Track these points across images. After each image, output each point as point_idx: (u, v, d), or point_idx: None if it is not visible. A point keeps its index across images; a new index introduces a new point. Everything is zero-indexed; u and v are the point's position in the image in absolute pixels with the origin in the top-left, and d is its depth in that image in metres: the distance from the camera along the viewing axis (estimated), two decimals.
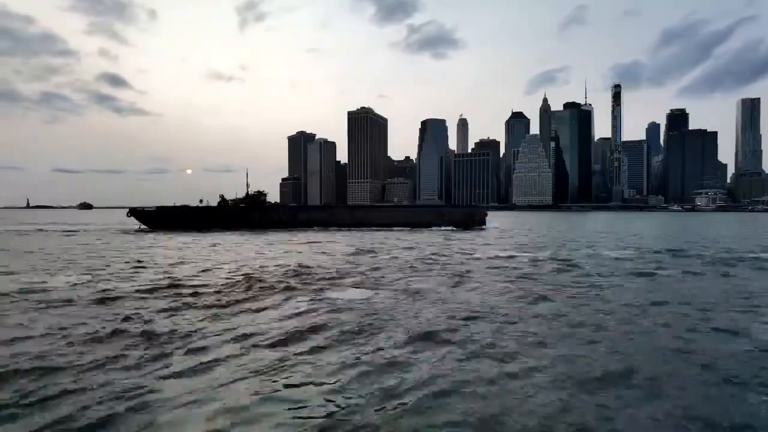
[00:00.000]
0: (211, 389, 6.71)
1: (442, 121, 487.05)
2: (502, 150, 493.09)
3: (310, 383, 6.98)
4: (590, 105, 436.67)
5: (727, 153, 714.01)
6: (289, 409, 6.14)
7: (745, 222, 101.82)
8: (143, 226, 55.46)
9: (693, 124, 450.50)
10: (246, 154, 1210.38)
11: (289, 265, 20.41)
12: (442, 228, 58.23)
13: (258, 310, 11.77)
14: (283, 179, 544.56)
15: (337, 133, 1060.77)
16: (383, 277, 17.63)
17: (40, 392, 6.57)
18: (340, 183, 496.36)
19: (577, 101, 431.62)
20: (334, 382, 7.02)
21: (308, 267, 19.97)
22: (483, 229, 59.81)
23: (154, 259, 23.67)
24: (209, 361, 7.86)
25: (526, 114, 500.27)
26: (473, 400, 6.36)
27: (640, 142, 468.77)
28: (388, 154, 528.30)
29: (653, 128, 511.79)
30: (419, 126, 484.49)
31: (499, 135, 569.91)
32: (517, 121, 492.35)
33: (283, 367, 7.66)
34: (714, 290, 15.11)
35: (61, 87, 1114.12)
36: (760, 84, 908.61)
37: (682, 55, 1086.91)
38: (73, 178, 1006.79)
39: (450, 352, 8.42)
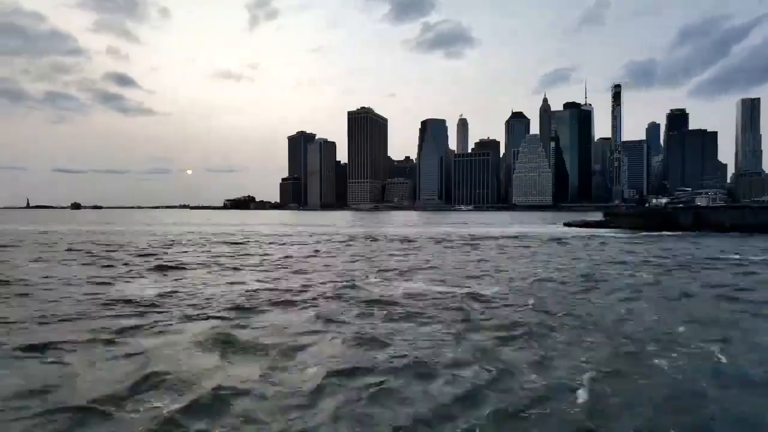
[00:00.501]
0: None
1: (442, 121, 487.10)
2: (502, 150, 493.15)
3: None
4: (590, 105, 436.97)
5: (727, 153, 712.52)
6: None
7: None
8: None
9: (693, 124, 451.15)
10: (248, 154, 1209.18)
11: None
12: None
13: None
14: (283, 179, 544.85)
15: (337, 133, 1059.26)
16: None
17: None
18: (340, 183, 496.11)
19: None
20: None
21: None
22: None
23: None
24: None
25: (527, 114, 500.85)
26: None
27: (640, 142, 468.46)
28: (388, 154, 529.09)
29: (653, 128, 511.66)
30: (419, 126, 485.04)
31: (499, 135, 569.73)
32: (517, 121, 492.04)
33: None
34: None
35: (67, 86, 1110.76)
36: None
37: (699, 52, 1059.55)
38: (75, 178, 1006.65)
39: None
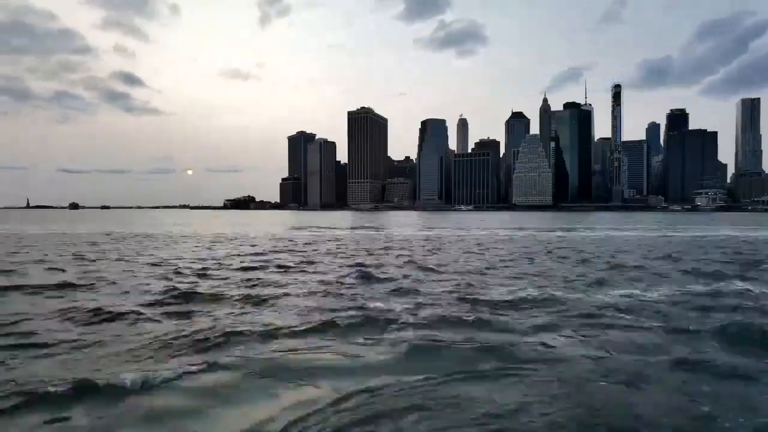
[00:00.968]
0: None
1: (442, 121, 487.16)
2: (502, 150, 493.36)
3: None
4: (590, 105, 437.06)
5: (727, 153, 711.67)
6: None
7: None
8: None
9: (693, 124, 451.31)
10: (251, 153, 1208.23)
11: None
12: None
13: None
14: (283, 179, 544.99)
15: (338, 133, 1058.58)
16: None
17: None
18: (340, 183, 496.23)
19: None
20: None
21: None
22: None
23: None
24: None
25: (527, 114, 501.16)
26: None
27: (640, 142, 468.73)
28: (388, 154, 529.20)
29: (653, 128, 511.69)
30: (419, 126, 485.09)
31: (499, 135, 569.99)
32: (517, 121, 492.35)
33: None
34: None
35: (75, 85, 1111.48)
36: None
37: (716, 50, 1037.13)
38: (77, 178, 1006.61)
39: None
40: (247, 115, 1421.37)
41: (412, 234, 48.49)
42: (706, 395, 6.22)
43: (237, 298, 12.82)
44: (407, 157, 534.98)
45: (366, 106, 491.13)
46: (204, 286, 14.59)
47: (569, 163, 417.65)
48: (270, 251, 27.60)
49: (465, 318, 10.24)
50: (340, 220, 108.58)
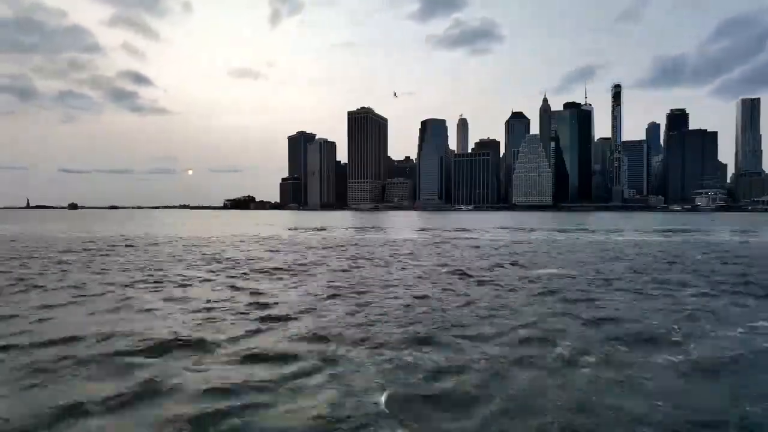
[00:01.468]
0: None
1: (442, 121, 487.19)
2: (502, 150, 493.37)
3: None
4: (590, 105, 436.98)
5: (727, 153, 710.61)
6: None
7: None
8: None
9: (693, 124, 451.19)
10: (254, 153, 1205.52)
11: None
12: None
13: None
14: (283, 179, 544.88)
15: (338, 133, 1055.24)
16: None
17: None
18: (340, 183, 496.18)
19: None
20: None
21: None
22: None
23: None
24: None
25: (526, 114, 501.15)
26: None
27: (640, 142, 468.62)
28: (388, 154, 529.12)
29: (653, 128, 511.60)
30: (419, 126, 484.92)
31: (499, 135, 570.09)
32: (517, 121, 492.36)
33: None
34: None
35: (81, 84, 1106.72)
36: None
37: (733, 49, 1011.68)
38: (78, 178, 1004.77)
39: None
40: (256, 114, 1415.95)
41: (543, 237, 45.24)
42: None
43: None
44: (407, 157, 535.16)
45: (366, 106, 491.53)
46: None
47: (569, 163, 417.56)
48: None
49: None
50: (381, 221, 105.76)
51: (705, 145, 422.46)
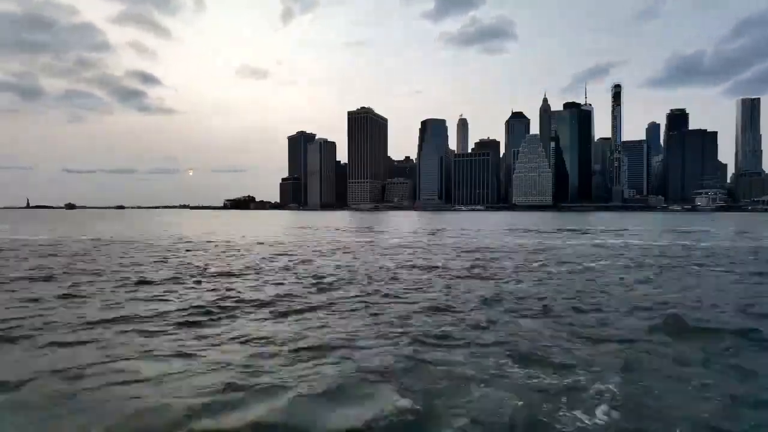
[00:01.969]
0: None
1: (442, 121, 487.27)
2: (502, 150, 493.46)
3: None
4: (590, 105, 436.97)
5: (727, 153, 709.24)
6: None
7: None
8: None
9: (693, 124, 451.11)
10: (254, 153, 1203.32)
11: None
12: None
13: None
14: (283, 179, 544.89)
15: (338, 133, 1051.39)
16: None
17: None
18: (340, 183, 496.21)
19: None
20: None
21: None
22: None
23: None
24: None
25: (526, 114, 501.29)
26: None
27: (640, 142, 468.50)
28: (388, 154, 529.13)
29: (653, 128, 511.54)
30: (419, 126, 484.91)
31: (499, 135, 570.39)
32: (517, 121, 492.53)
33: None
34: None
35: (89, 83, 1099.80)
36: None
37: (750, 47, 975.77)
38: (77, 178, 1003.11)
39: None
40: (248, 114, 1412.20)
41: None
42: None
43: None
44: (407, 157, 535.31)
45: (367, 106, 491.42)
46: None
47: (569, 163, 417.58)
48: None
49: None
50: (379, 221, 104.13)
51: (705, 145, 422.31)
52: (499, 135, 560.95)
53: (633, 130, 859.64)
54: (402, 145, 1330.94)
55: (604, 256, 27.62)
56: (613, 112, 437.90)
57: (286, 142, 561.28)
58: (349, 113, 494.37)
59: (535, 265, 23.27)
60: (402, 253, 29.85)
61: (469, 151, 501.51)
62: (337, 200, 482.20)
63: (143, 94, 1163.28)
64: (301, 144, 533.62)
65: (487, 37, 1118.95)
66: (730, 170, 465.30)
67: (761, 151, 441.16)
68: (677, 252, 30.88)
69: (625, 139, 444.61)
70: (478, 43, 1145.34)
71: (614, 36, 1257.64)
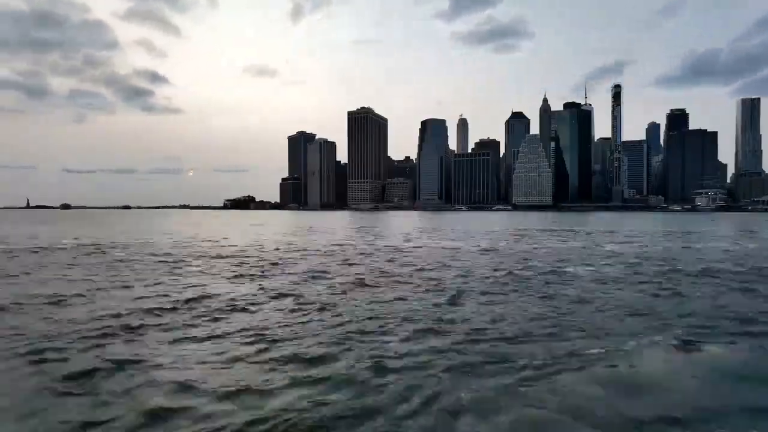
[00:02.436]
0: None
1: (442, 121, 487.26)
2: (502, 150, 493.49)
3: None
4: (590, 105, 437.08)
5: (727, 153, 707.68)
6: None
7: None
8: None
9: (693, 124, 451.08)
10: (254, 153, 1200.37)
11: None
12: None
13: None
14: (283, 179, 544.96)
15: (339, 133, 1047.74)
16: None
17: None
18: (340, 183, 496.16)
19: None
20: None
21: None
22: None
23: None
24: None
25: (526, 114, 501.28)
26: None
27: (640, 142, 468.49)
28: (388, 154, 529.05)
29: (653, 128, 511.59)
30: (419, 126, 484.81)
31: (499, 135, 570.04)
32: (517, 121, 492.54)
33: None
34: None
35: (96, 82, 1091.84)
36: None
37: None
38: (78, 178, 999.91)
39: None
40: (249, 114, 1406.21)
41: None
42: None
43: None
44: (407, 157, 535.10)
45: (367, 106, 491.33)
46: None
47: (569, 163, 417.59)
48: None
49: None
50: (380, 221, 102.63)
51: (705, 145, 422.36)
52: (499, 135, 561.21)
53: (634, 130, 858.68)
54: (402, 145, 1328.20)
55: (602, 257, 27.58)
56: (613, 112, 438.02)
57: (286, 142, 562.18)
58: (349, 113, 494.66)
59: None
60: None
61: (469, 151, 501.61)
62: (337, 200, 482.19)
63: (149, 94, 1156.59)
64: (301, 144, 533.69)
65: (502, 35, 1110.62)
66: (730, 170, 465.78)
67: (761, 151, 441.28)
68: None
69: (626, 139, 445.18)
70: (490, 42, 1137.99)
71: (634, 33, 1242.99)
